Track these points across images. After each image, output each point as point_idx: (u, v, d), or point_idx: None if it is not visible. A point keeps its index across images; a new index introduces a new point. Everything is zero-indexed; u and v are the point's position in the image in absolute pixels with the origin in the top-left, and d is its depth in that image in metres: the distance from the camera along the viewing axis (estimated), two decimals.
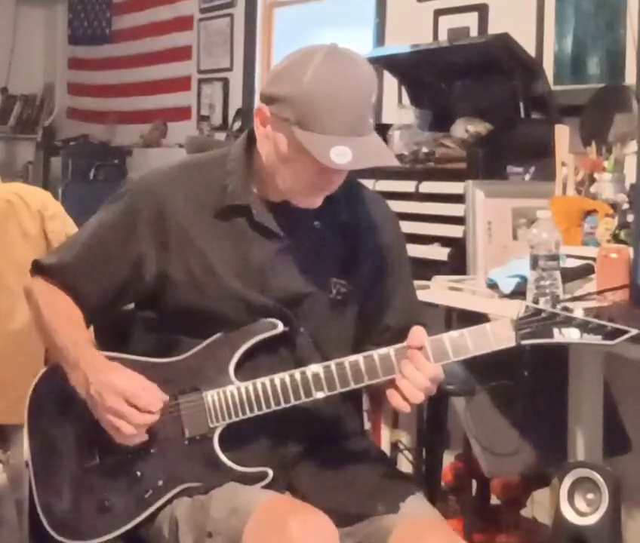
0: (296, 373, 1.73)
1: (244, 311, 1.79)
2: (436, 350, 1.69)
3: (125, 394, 1.69)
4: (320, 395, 1.73)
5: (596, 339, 1.68)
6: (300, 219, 1.81)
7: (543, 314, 1.69)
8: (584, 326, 1.68)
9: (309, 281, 1.82)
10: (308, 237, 1.83)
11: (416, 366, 1.68)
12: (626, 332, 1.67)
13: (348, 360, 1.72)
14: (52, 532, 1.80)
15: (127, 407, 1.69)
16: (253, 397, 1.74)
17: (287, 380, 1.73)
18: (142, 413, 1.70)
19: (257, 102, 1.77)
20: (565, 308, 1.71)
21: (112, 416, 1.70)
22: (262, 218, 1.80)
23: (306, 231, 1.83)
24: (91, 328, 1.89)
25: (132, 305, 1.93)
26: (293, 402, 1.73)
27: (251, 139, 1.82)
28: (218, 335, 1.80)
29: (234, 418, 1.75)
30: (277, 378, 1.73)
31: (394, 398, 1.70)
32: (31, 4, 7.13)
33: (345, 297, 1.85)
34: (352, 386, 1.73)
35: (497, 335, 1.69)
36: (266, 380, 1.73)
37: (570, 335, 1.68)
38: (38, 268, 1.92)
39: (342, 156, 1.64)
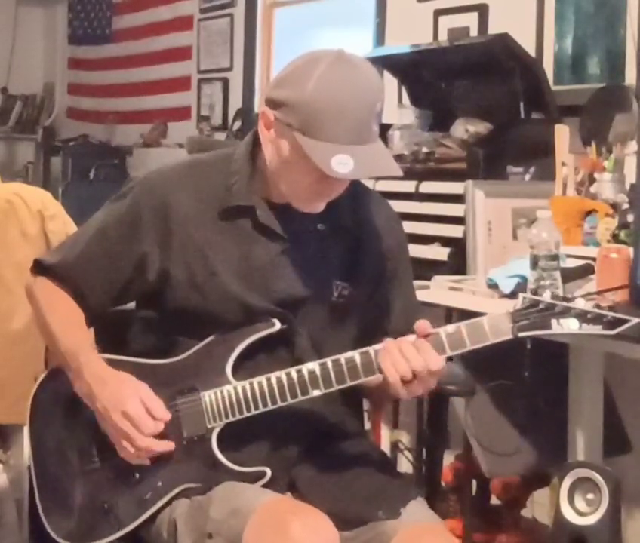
0: (293, 371, 1.73)
1: (243, 313, 1.79)
2: (433, 344, 1.69)
3: (133, 420, 1.70)
4: (316, 393, 1.72)
5: (596, 329, 1.65)
6: (304, 222, 1.81)
7: (541, 305, 1.67)
8: (583, 317, 1.65)
9: (312, 284, 1.81)
10: (311, 240, 1.83)
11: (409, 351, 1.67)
12: (626, 321, 1.64)
13: (344, 357, 1.72)
14: (54, 535, 1.80)
15: (133, 430, 1.70)
16: (250, 397, 1.74)
17: (284, 378, 1.73)
18: (146, 437, 1.71)
19: (257, 102, 1.77)
20: (564, 298, 1.69)
21: (117, 434, 1.72)
22: (266, 219, 1.80)
23: (309, 234, 1.82)
24: (91, 330, 1.88)
25: (132, 305, 1.93)
26: (290, 400, 1.73)
27: (256, 140, 1.81)
28: (215, 335, 1.79)
29: (231, 418, 1.75)
30: (273, 376, 1.73)
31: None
32: (31, 4, 7.14)
33: (347, 300, 1.84)
34: (349, 383, 1.72)
35: (494, 328, 1.68)
36: (263, 379, 1.73)
37: (568, 325, 1.66)
38: (40, 268, 1.91)
39: (343, 165, 1.63)
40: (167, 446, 1.73)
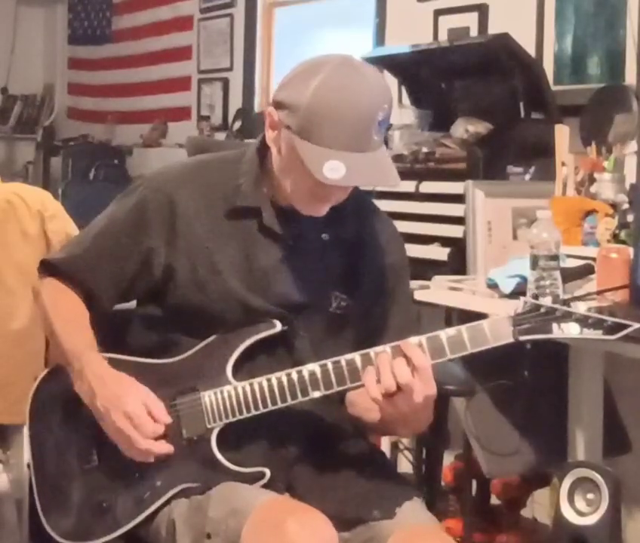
0: (293, 373, 1.72)
1: (244, 313, 1.79)
2: (433, 347, 1.68)
3: (133, 421, 1.70)
4: (317, 394, 1.72)
5: (596, 334, 1.65)
6: (309, 229, 1.81)
7: (542, 310, 1.67)
8: (584, 321, 1.65)
9: (311, 291, 1.81)
10: (314, 247, 1.82)
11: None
12: (627, 326, 1.64)
13: (344, 359, 1.71)
14: (53, 534, 1.80)
15: (133, 431, 1.70)
16: (250, 397, 1.73)
17: (284, 379, 1.72)
18: (146, 439, 1.71)
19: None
20: (565, 303, 1.69)
21: (117, 434, 1.72)
22: (270, 222, 1.80)
23: (312, 241, 1.82)
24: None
25: (132, 303, 1.93)
26: (290, 401, 1.73)
27: (265, 141, 1.81)
28: (216, 335, 1.80)
29: (231, 419, 1.74)
30: (274, 377, 1.73)
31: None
32: (31, 4, 7.14)
33: (345, 312, 1.84)
34: (349, 384, 1.72)
35: (495, 332, 1.67)
36: (263, 380, 1.73)
37: (569, 330, 1.66)
38: (47, 267, 1.91)
39: (334, 171, 1.62)
40: (167, 448, 1.73)
